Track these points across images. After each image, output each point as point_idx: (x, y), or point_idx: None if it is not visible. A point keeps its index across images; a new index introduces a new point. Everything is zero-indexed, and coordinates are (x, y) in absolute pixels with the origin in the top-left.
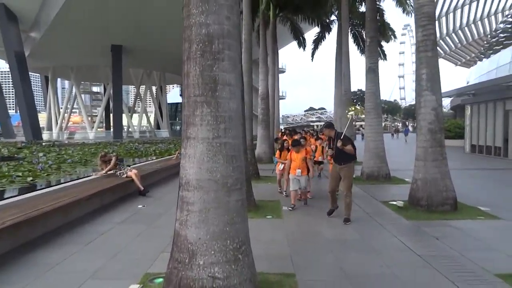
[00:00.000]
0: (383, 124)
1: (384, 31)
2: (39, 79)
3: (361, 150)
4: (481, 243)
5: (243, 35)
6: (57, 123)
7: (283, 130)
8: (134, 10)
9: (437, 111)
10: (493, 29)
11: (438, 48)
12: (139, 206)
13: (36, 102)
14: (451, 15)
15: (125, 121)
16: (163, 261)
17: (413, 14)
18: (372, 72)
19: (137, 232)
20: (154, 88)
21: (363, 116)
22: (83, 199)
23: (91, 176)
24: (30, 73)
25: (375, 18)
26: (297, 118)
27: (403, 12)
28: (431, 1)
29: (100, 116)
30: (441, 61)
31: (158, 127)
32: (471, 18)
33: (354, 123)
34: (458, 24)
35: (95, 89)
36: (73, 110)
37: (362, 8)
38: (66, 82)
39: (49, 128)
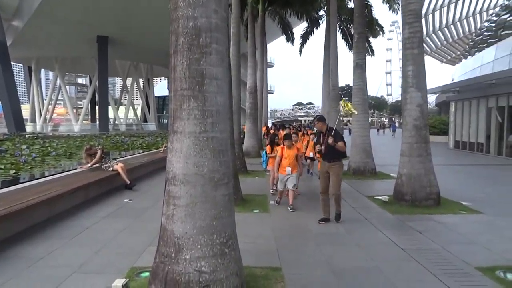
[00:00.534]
0: (369, 119)
1: (372, 27)
2: (22, 70)
3: (348, 145)
4: (463, 237)
5: (232, 29)
6: (41, 115)
7: (270, 125)
8: (121, 0)
9: (422, 107)
10: (478, 28)
11: (424, 45)
12: (125, 200)
13: (19, 93)
14: (437, 13)
15: (111, 114)
16: (150, 255)
17: (399, 12)
18: (360, 68)
19: (123, 226)
20: (141, 80)
21: (354, 112)
22: (68, 193)
23: (76, 169)
24: (12, 63)
25: (363, 14)
26: (285, 112)
27: (389, 9)
28: None
29: (85, 108)
30: (427, 58)
31: (145, 120)
32: (457, 16)
33: (342, 118)
34: (444, 22)
35: (80, 80)
36: (58, 102)
37: (351, 4)
38: (51, 73)
39: (33, 120)
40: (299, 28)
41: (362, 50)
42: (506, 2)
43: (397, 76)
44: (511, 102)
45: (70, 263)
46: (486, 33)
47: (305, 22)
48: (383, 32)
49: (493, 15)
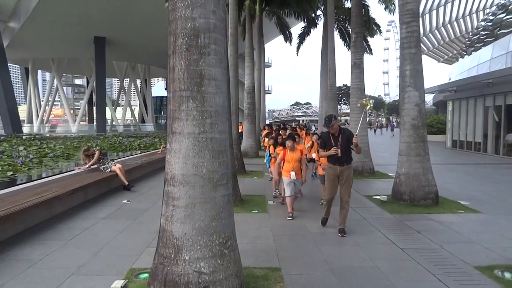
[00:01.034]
0: (367, 119)
1: (370, 27)
2: (19, 71)
3: None
4: (461, 236)
5: (229, 29)
6: (38, 116)
7: (267, 125)
8: (118, 1)
9: (420, 107)
10: (475, 27)
11: (421, 44)
12: (123, 201)
13: (16, 95)
14: (434, 12)
15: (108, 115)
16: (149, 256)
17: (395, 12)
18: (358, 68)
19: (121, 227)
20: (138, 81)
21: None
22: (66, 194)
23: (73, 170)
24: (9, 64)
25: (361, 13)
26: (283, 112)
27: (385, 9)
28: None
29: (82, 109)
30: (425, 58)
31: (143, 120)
32: (454, 15)
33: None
34: (441, 22)
35: (77, 81)
36: (55, 103)
37: (348, 4)
38: (47, 74)
39: (30, 121)
40: (296, 28)
41: (359, 49)
42: (502, 1)
43: (394, 75)
44: (508, 101)
45: (69, 265)
46: (482, 32)
47: (302, 22)
48: (380, 32)
49: (490, 14)
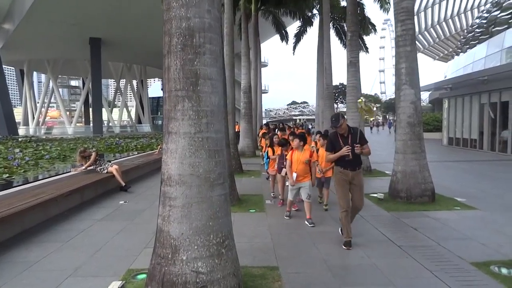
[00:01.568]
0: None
1: (365, 25)
2: (14, 73)
3: None
4: (457, 233)
5: (225, 29)
6: (33, 118)
7: (265, 125)
8: (113, 1)
9: (416, 104)
10: (470, 24)
11: (417, 42)
12: (120, 202)
13: (11, 97)
14: (429, 10)
15: (105, 116)
16: (146, 257)
17: (389, 11)
18: (353, 66)
19: (119, 228)
20: (134, 82)
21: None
22: (62, 196)
23: (70, 172)
24: (4, 66)
25: (356, 12)
26: (279, 112)
27: (381, 8)
28: None
29: (79, 111)
30: (420, 56)
31: (139, 121)
32: (449, 13)
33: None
34: (436, 19)
35: (73, 83)
36: (51, 105)
37: (343, 3)
38: (43, 75)
39: (26, 123)
40: (292, 27)
41: (355, 48)
42: None
43: (390, 74)
44: (503, 98)
45: (66, 267)
46: (477, 30)
47: (298, 21)
48: (375, 30)
49: (484, 11)
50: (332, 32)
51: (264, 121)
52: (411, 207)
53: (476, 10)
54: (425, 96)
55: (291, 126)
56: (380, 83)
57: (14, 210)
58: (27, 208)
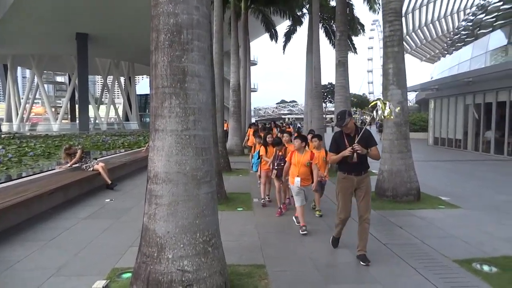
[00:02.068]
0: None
1: (354, 26)
2: None
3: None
4: (441, 231)
5: (214, 26)
6: (17, 114)
7: (253, 124)
8: None
9: (402, 104)
10: (456, 27)
11: (404, 43)
12: (106, 200)
13: None
14: (417, 12)
15: (91, 113)
16: (132, 255)
17: (379, 12)
18: (342, 66)
19: (104, 227)
20: (122, 78)
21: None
22: (46, 193)
23: (54, 169)
24: None
25: (345, 12)
26: (268, 110)
27: (370, 10)
28: None
29: (64, 107)
30: (407, 57)
31: (127, 119)
32: (436, 15)
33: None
34: (423, 21)
35: (59, 79)
36: (35, 101)
37: (333, 3)
38: (28, 71)
39: (9, 120)
40: (282, 26)
41: (344, 48)
42: (482, 2)
43: (378, 74)
44: (487, 99)
45: (49, 266)
46: (463, 32)
47: (288, 20)
48: (364, 31)
49: (470, 14)
50: (322, 32)
51: (253, 120)
52: (397, 206)
53: (462, 13)
54: (411, 96)
55: (280, 125)
56: (368, 83)
57: None
58: (9, 206)
